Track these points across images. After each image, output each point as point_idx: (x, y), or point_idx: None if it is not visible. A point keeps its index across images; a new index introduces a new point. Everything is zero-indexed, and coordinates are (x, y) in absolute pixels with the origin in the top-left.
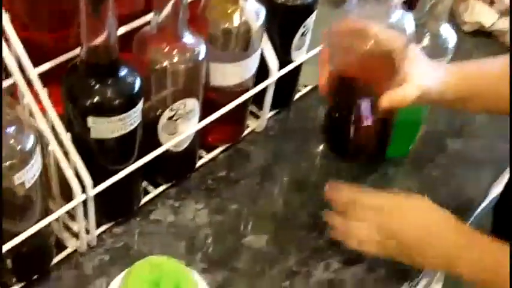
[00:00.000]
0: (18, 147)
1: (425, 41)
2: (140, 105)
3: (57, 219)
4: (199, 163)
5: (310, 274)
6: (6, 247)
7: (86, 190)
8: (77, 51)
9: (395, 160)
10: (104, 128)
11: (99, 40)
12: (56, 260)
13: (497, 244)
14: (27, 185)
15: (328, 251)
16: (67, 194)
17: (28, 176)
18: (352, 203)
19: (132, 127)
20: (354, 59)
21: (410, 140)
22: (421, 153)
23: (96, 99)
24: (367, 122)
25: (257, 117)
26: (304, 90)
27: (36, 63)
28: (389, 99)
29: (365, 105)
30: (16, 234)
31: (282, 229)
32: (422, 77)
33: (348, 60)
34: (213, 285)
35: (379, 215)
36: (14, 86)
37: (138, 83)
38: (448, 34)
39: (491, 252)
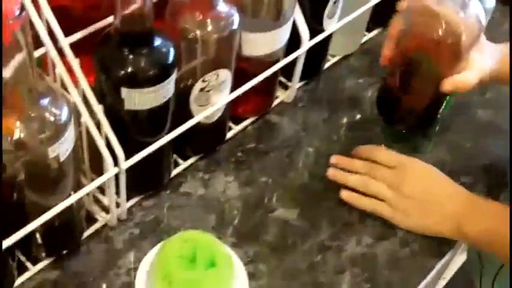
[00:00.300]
0: (53, 119)
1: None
2: (174, 76)
3: (87, 193)
4: (228, 135)
5: (342, 248)
6: (38, 222)
7: (118, 163)
8: (109, 19)
9: (426, 129)
10: (137, 99)
11: (133, 8)
12: (86, 234)
13: (506, 207)
14: (62, 158)
15: (360, 225)
16: (98, 168)
17: (62, 148)
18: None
19: (166, 99)
20: (425, 38)
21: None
22: (451, 124)
23: (129, 70)
24: (422, 100)
25: (286, 87)
26: (333, 60)
27: (67, 33)
28: (452, 83)
29: (423, 84)
30: (48, 208)
31: (312, 202)
32: (485, 63)
33: (420, 37)
34: (244, 259)
35: (394, 176)
36: (44, 56)
37: (172, 54)
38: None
39: (497, 213)
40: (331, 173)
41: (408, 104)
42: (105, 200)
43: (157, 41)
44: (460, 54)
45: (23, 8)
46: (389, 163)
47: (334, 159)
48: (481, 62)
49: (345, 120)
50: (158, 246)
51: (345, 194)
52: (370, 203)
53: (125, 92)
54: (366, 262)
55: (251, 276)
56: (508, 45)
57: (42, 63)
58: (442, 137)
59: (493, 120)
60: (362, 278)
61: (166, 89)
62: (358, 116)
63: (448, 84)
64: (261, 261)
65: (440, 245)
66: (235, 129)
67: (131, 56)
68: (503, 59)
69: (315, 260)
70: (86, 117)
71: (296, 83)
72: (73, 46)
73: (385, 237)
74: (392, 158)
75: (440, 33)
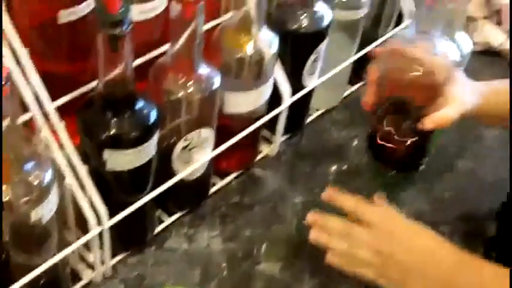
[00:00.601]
0: (36, 183)
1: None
2: (156, 137)
3: (73, 251)
4: (212, 190)
5: None
6: (23, 280)
7: (101, 222)
8: (93, 83)
9: (407, 179)
10: (119, 160)
11: (116, 73)
12: None
13: (493, 267)
14: (45, 220)
15: (342, 278)
16: (83, 225)
17: (46, 210)
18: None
19: (148, 158)
20: (402, 81)
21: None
22: (432, 173)
23: (112, 132)
24: (409, 138)
25: (270, 142)
26: (315, 114)
27: (53, 96)
28: (432, 120)
29: (408, 123)
30: (33, 267)
31: (295, 255)
32: (463, 97)
33: (397, 81)
34: None
35: (378, 239)
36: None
37: (154, 115)
38: (464, 41)
39: (489, 274)
40: (313, 236)
41: (396, 144)
42: (90, 257)
43: (139, 104)
44: (436, 92)
45: (9, 77)
46: (371, 220)
47: (310, 218)
48: (460, 96)
49: (328, 172)
50: None
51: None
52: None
53: (107, 153)
54: None
55: None
56: (487, 84)
57: (29, 126)
58: (422, 187)
59: (472, 171)
60: None
61: (148, 150)
62: (343, 168)
63: (428, 122)
64: None
65: None
66: (220, 184)
67: (113, 119)
68: (484, 96)
69: None
70: (69, 179)
71: (279, 138)
72: (59, 109)
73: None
74: (375, 215)
75: (414, 74)
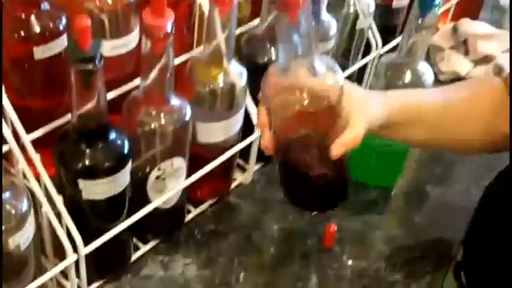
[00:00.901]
0: (13, 212)
1: (407, 78)
2: (129, 167)
3: (51, 278)
4: (187, 218)
5: None
6: None
7: (77, 250)
8: (68, 117)
9: (378, 206)
10: (94, 189)
11: (89, 106)
12: None
13: None
14: (22, 247)
15: None
16: (60, 252)
17: (23, 238)
18: None
19: (122, 187)
20: (293, 115)
21: (396, 169)
22: (402, 198)
23: (86, 163)
24: (320, 170)
25: (244, 170)
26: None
27: (29, 129)
28: (338, 146)
29: (313, 155)
30: None
31: (271, 281)
32: (363, 111)
33: (288, 117)
34: None
35: None
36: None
37: (126, 146)
38: (426, 71)
39: None
40: None
41: (313, 180)
42: (67, 285)
43: (112, 135)
44: (331, 112)
45: None
46: None
47: None
48: (358, 113)
49: None
50: None
51: None
52: None
53: (82, 183)
54: None
55: None
56: (394, 92)
57: (8, 157)
58: (393, 212)
59: (442, 196)
60: None
61: (122, 179)
62: None
63: (335, 149)
64: None
65: None
66: (194, 212)
67: (87, 150)
68: (392, 107)
69: None
70: (46, 208)
71: (253, 166)
72: (35, 141)
73: None
74: None
75: (303, 103)
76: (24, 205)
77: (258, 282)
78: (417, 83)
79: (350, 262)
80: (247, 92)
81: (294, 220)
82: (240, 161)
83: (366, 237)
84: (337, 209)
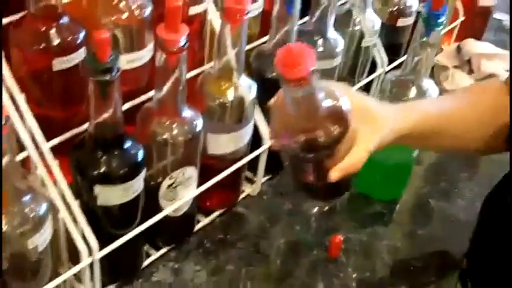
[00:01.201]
0: (32, 215)
1: (412, 94)
2: (143, 174)
3: (64, 282)
4: (197, 227)
5: None
6: None
7: (92, 253)
8: (85, 126)
9: (383, 217)
10: (109, 195)
11: (106, 116)
12: None
13: None
14: (40, 249)
15: None
16: (74, 257)
17: (40, 240)
18: None
19: (135, 194)
20: (296, 135)
21: (401, 182)
22: (405, 211)
23: (102, 169)
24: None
25: (252, 182)
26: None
27: (48, 137)
28: (340, 170)
29: (314, 170)
30: None
31: None
32: (372, 129)
33: (292, 134)
34: None
35: None
36: (27, 158)
37: (140, 154)
38: (431, 87)
39: None
40: None
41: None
42: None
43: (127, 144)
44: (338, 140)
45: (8, 118)
46: None
47: None
48: (365, 133)
49: (308, 211)
50: None
51: None
52: None
53: (97, 189)
54: None
55: None
56: (412, 106)
57: (26, 164)
58: (396, 225)
59: (446, 210)
60: None
61: (135, 186)
62: (323, 207)
63: (334, 174)
64: None
65: None
66: (204, 221)
67: (103, 157)
68: (410, 120)
69: None
70: (63, 213)
71: (261, 178)
72: (53, 149)
73: None
74: None
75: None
76: (43, 209)
77: None
78: (422, 99)
79: (355, 272)
80: (256, 106)
81: (300, 231)
82: (248, 173)
83: (371, 249)
84: (343, 219)
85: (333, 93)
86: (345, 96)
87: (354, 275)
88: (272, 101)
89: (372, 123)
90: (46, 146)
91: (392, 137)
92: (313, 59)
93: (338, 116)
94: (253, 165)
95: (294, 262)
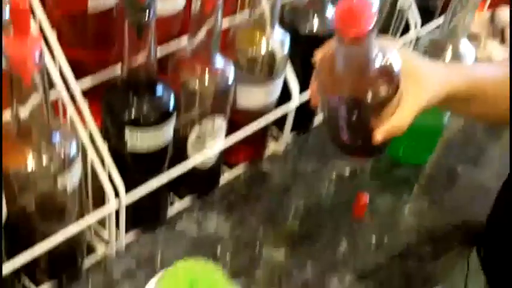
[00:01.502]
0: (62, 154)
1: (448, 57)
2: (173, 120)
3: (89, 227)
4: (222, 179)
5: (324, 286)
6: (41, 248)
7: (119, 197)
8: (116, 70)
9: (409, 181)
10: (139, 140)
11: (140, 59)
12: (86, 263)
13: None
14: (68, 190)
15: (343, 265)
16: (100, 205)
17: (70, 180)
18: None
19: (164, 141)
20: (347, 91)
21: (429, 147)
22: (432, 175)
23: (133, 113)
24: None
25: (277, 139)
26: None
27: (78, 79)
28: (384, 133)
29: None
30: (51, 236)
31: (298, 245)
32: (420, 91)
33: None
34: None
35: None
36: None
37: (172, 101)
38: (467, 50)
39: None
40: None
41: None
42: (105, 234)
43: (159, 89)
44: (388, 99)
45: (41, 54)
46: None
47: None
48: (414, 94)
49: (333, 171)
50: (157, 277)
51: None
52: None
53: (128, 133)
54: None
55: None
56: (454, 65)
57: (55, 105)
58: (422, 188)
59: (473, 177)
60: None
61: (165, 133)
62: (346, 168)
63: (380, 135)
64: None
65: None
66: (229, 175)
67: (135, 101)
68: (453, 81)
69: None
70: (91, 155)
71: (287, 135)
72: (82, 91)
73: (366, 276)
74: None
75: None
76: (73, 148)
77: (287, 245)
78: (458, 62)
79: (379, 234)
80: (288, 61)
81: (325, 190)
82: (274, 131)
83: (395, 211)
84: (369, 181)
85: (385, 52)
86: (397, 55)
87: (378, 237)
88: (318, 55)
89: (420, 84)
90: (77, 86)
91: (438, 99)
92: (372, 17)
93: (389, 77)
94: (279, 122)
95: (317, 221)
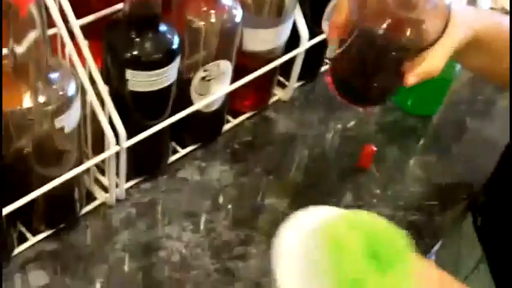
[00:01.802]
0: (61, 92)
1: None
2: (177, 61)
3: (88, 172)
4: (226, 127)
5: None
6: (38, 192)
7: (119, 141)
8: (118, 6)
9: (416, 133)
10: (141, 81)
11: None
12: (85, 210)
13: None
14: (67, 130)
15: None
16: (100, 151)
17: (68, 121)
18: None
19: (168, 83)
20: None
21: (438, 99)
22: (441, 127)
23: (135, 52)
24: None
25: (284, 87)
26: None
27: (78, 16)
28: (416, 76)
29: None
30: (49, 180)
31: (302, 195)
32: (454, 35)
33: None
34: (236, 241)
35: None
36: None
37: (176, 40)
38: None
39: None
40: None
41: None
42: (104, 181)
43: (163, 28)
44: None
45: None
46: None
47: None
48: (447, 39)
49: (339, 121)
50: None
51: None
52: None
53: (129, 73)
54: None
55: (241, 256)
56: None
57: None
58: (431, 141)
59: (481, 130)
60: None
61: (169, 74)
62: (353, 118)
63: (413, 78)
64: (252, 244)
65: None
66: (233, 122)
67: (137, 40)
68: (481, 22)
69: None
70: (91, 96)
71: (294, 83)
72: (82, 30)
73: None
74: None
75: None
76: (72, 88)
77: (290, 194)
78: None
79: (385, 185)
80: (297, 4)
81: (330, 140)
82: (280, 78)
83: (402, 162)
84: (376, 131)
85: None
86: None
87: (384, 186)
88: None
89: (452, 26)
90: (77, 23)
91: (467, 40)
92: None
93: (442, 13)
94: (286, 69)
95: (321, 171)
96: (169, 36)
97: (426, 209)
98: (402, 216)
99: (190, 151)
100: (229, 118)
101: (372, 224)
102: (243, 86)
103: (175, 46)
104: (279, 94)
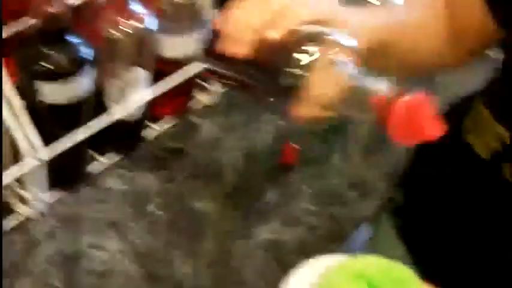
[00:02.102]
0: None
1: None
2: (89, 72)
3: (9, 189)
4: (148, 134)
5: (252, 235)
6: None
7: (37, 154)
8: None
9: (341, 126)
10: (52, 93)
11: (52, 10)
12: (7, 225)
13: None
14: None
15: (271, 214)
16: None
17: None
18: None
19: (81, 93)
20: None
21: None
22: (365, 125)
23: (43, 63)
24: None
25: (207, 90)
26: None
27: None
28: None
29: None
30: None
31: (229, 197)
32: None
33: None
34: (157, 245)
35: None
36: None
37: (86, 50)
38: None
39: None
40: None
41: None
42: (26, 194)
43: (73, 39)
44: None
45: None
46: None
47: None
48: None
49: (264, 124)
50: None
51: None
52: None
53: (40, 85)
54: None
55: (166, 261)
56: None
57: None
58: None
59: None
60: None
61: (81, 84)
62: (278, 121)
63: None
64: (176, 248)
65: (344, 231)
66: (156, 128)
67: (46, 52)
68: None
69: (226, 246)
70: (5, 112)
71: (217, 87)
72: None
73: (293, 225)
74: None
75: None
76: None
77: (218, 197)
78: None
79: (310, 181)
80: (214, 9)
81: (256, 140)
82: (204, 83)
83: (325, 158)
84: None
85: None
86: None
87: (308, 184)
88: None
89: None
90: None
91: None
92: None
93: None
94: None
95: (249, 171)
96: (79, 47)
97: (348, 201)
98: (326, 210)
99: (115, 161)
100: (153, 125)
101: (375, 268)
102: (164, 92)
103: (85, 56)
104: (202, 98)
